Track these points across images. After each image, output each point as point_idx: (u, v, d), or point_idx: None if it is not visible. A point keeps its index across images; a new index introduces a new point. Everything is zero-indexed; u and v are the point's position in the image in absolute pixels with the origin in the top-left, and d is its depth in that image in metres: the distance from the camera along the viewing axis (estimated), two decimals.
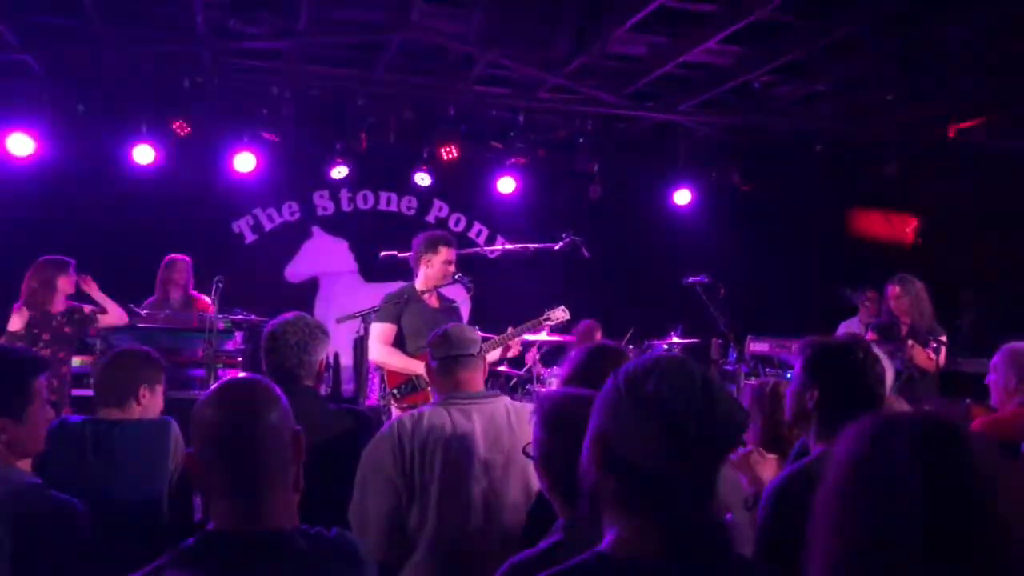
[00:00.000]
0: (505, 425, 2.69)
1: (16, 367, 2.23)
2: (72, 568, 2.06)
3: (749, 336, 6.17)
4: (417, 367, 4.80)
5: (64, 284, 5.46)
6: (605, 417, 1.40)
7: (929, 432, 1.31)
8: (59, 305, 5.49)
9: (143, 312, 5.78)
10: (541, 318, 5.38)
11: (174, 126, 7.05)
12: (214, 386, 1.70)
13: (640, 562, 1.32)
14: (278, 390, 1.70)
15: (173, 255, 6.44)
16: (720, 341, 6.48)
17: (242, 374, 1.78)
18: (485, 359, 2.95)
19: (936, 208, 8.81)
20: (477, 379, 2.83)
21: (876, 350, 2.33)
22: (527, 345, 6.28)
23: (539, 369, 6.63)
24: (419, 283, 5.04)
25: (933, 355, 5.32)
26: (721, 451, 1.39)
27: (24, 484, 2.12)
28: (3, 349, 2.69)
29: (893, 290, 5.66)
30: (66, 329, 5.40)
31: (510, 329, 4.98)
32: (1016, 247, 8.16)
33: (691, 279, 6.07)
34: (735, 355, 6.20)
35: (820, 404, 2.26)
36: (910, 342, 5.38)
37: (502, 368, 6.97)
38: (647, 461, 1.35)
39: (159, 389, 3.01)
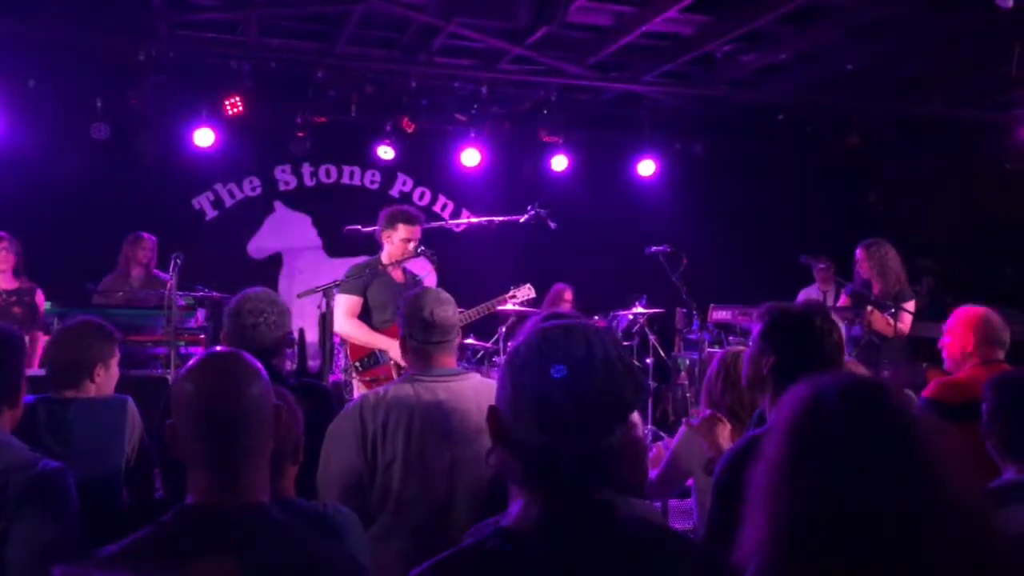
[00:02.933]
0: (472, 401, 2.67)
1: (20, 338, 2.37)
2: (65, 534, 2.08)
3: (712, 304, 6.23)
4: (382, 342, 4.79)
5: None
6: (497, 389, 1.39)
7: (854, 395, 1.34)
8: (4, 282, 5.36)
9: (101, 290, 5.68)
10: (507, 295, 5.39)
11: (130, 101, 6.89)
12: (194, 359, 1.68)
13: (527, 536, 1.30)
14: (259, 364, 1.69)
15: (139, 232, 6.33)
16: (684, 310, 6.55)
17: (219, 348, 1.77)
18: (460, 335, 2.93)
19: (896, 177, 8.94)
20: (450, 360, 2.80)
21: (834, 316, 2.34)
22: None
23: (507, 342, 6.64)
24: (384, 257, 5.04)
25: (892, 320, 5.41)
26: (598, 428, 1.31)
27: (22, 455, 2.15)
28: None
29: (859, 253, 5.75)
30: (15, 309, 5.28)
31: (464, 310, 4.97)
32: (972, 215, 8.32)
33: (653, 249, 6.11)
34: (698, 323, 6.26)
35: (776, 370, 2.25)
36: (869, 308, 5.46)
37: (469, 340, 6.98)
38: (523, 436, 1.32)
39: (113, 364, 2.95)
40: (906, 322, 5.58)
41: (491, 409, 1.39)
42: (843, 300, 6.05)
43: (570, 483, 1.30)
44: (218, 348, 1.74)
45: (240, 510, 1.57)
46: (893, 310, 5.39)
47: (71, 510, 2.13)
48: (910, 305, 5.63)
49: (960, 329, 3.57)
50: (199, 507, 1.57)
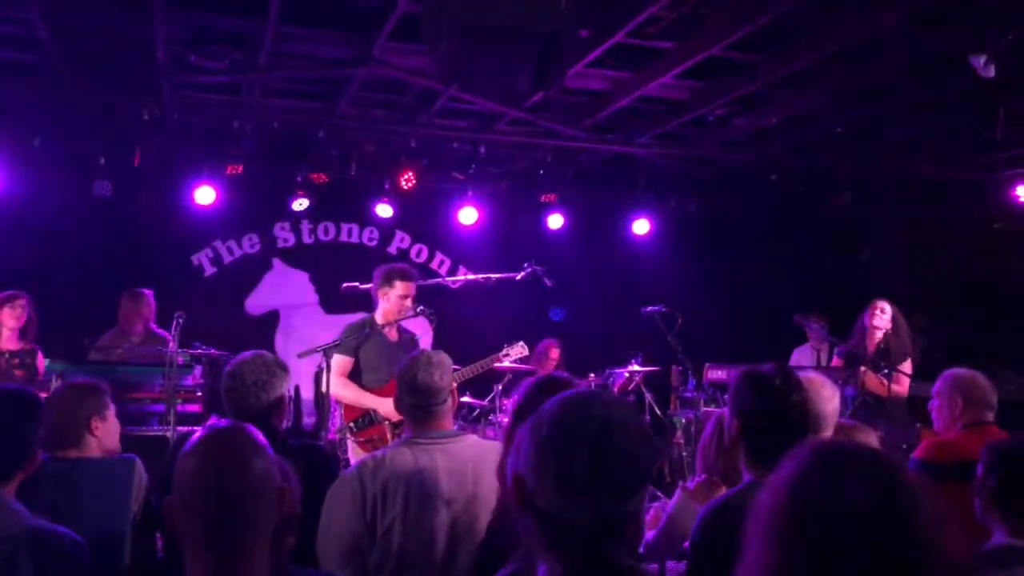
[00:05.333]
0: (470, 464, 2.70)
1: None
2: None
3: (707, 364, 6.27)
4: (370, 401, 4.80)
5: (6, 318, 5.35)
6: (519, 457, 1.43)
7: (864, 467, 1.37)
8: (9, 343, 5.38)
9: (100, 347, 5.71)
10: (500, 354, 5.43)
11: (133, 159, 6.99)
12: (198, 433, 1.66)
13: None
14: (262, 440, 1.67)
15: (138, 289, 6.37)
16: (680, 368, 6.58)
17: (222, 422, 1.76)
18: (455, 394, 2.95)
19: (887, 235, 9.06)
20: (444, 423, 2.84)
21: (816, 376, 2.38)
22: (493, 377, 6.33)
23: (502, 400, 6.66)
24: (379, 316, 5.06)
25: (885, 380, 5.46)
26: (619, 495, 1.37)
27: (36, 523, 2.14)
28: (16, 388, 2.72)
29: (881, 305, 5.83)
30: (17, 372, 5.29)
31: (459, 368, 5.01)
32: (962, 273, 8.41)
33: (649, 309, 6.17)
34: (694, 382, 6.30)
35: (743, 432, 2.31)
36: (863, 368, 5.52)
37: (465, 399, 7.00)
38: (547, 504, 1.36)
39: (110, 415, 3.01)
40: (904, 384, 5.64)
41: (515, 476, 1.42)
42: (836, 361, 6.11)
43: (589, 549, 1.35)
44: (221, 422, 1.74)
45: None
46: (887, 371, 5.45)
47: None
48: (907, 366, 5.70)
49: (948, 392, 3.64)
50: None
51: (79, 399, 2.97)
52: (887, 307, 5.86)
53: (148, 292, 6.36)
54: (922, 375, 6.13)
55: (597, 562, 1.35)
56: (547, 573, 1.38)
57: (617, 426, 1.37)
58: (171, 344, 5.06)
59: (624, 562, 1.38)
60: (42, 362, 5.50)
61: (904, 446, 4.57)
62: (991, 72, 4.75)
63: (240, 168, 7.26)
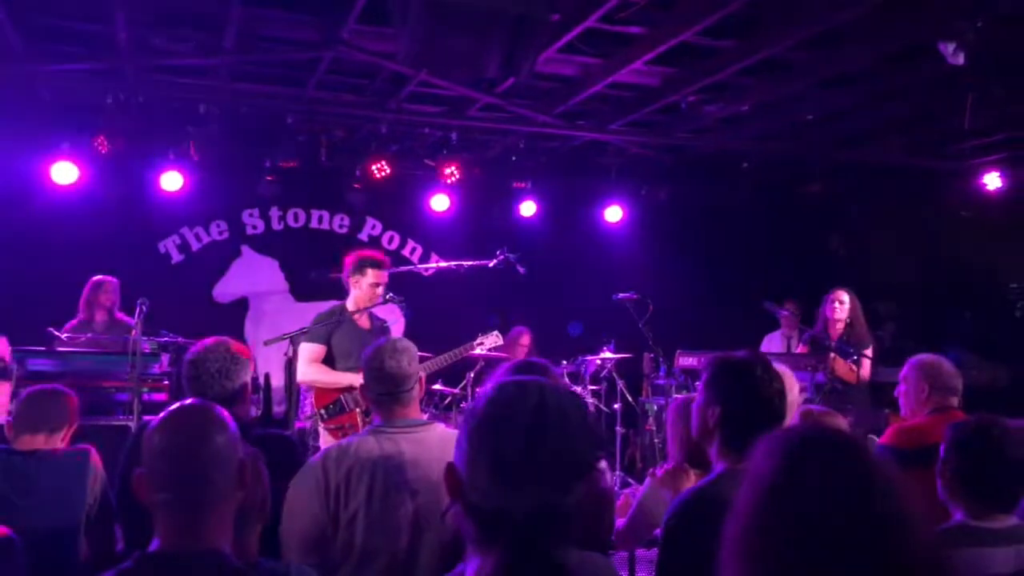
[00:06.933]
0: (436, 453, 2.66)
1: None
2: None
3: (678, 351, 6.29)
4: (346, 379, 4.77)
5: None
6: (456, 447, 1.38)
7: (831, 451, 1.36)
8: None
9: (64, 335, 5.60)
10: (474, 343, 5.40)
11: (97, 144, 6.86)
12: (167, 409, 1.78)
13: None
14: (227, 416, 1.77)
15: (101, 276, 6.27)
16: (651, 355, 6.60)
17: (189, 400, 1.85)
18: (423, 381, 2.91)
19: (857, 223, 9.13)
20: (411, 411, 2.79)
21: (778, 365, 2.37)
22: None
23: (474, 387, 6.64)
24: (350, 303, 5.03)
25: (854, 367, 5.51)
26: (554, 486, 1.30)
27: None
28: None
29: (839, 295, 5.88)
30: None
31: (432, 357, 4.99)
32: (931, 261, 8.50)
33: (620, 296, 6.18)
34: (665, 369, 6.31)
35: (721, 421, 2.29)
36: (832, 355, 5.56)
37: (437, 386, 6.97)
38: (480, 495, 1.31)
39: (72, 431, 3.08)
40: (867, 368, 5.71)
41: (448, 466, 1.38)
42: (801, 348, 6.15)
43: (523, 542, 1.28)
44: (189, 400, 1.83)
45: (200, 555, 1.63)
46: (855, 357, 5.49)
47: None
48: (870, 351, 5.77)
49: (914, 377, 3.67)
50: (160, 553, 1.63)
51: (73, 404, 3.04)
52: (845, 297, 5.90)
53: (111, 279, 6.25)
54: (892, 361, 6.20)
55: (533, 556, 1.28)
56: (479, 568, 1.30)
57: (552, 413, 1.31)
58: (134, 331, 4.97)
59: (563, 558, 1.31)
60: (7, 350, 5.38)
61: (871, 432, 4.61)
62: (960, 59, 4.77)
63: (208, 153, 7.14)
